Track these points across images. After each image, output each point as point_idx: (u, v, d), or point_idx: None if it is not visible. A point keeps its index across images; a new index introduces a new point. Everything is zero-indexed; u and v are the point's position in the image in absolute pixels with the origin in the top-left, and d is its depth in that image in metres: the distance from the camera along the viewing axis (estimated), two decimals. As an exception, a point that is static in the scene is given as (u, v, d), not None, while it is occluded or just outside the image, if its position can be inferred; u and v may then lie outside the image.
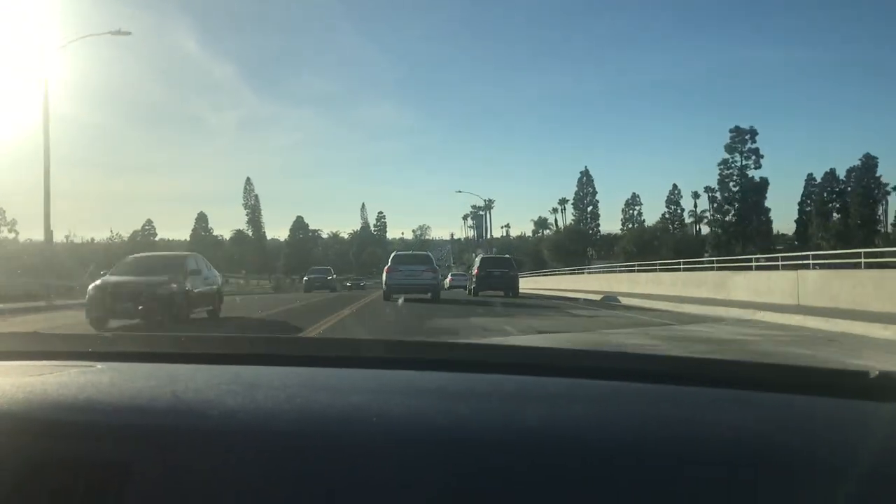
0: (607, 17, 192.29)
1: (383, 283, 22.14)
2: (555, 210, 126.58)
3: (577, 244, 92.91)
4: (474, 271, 28.54)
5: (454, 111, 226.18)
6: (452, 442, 1.02)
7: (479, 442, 1.02)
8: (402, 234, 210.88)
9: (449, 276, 53.38)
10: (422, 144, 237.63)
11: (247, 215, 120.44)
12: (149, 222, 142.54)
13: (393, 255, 23.25)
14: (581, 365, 1.53)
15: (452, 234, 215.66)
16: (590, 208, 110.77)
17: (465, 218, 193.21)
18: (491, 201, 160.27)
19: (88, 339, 1.68)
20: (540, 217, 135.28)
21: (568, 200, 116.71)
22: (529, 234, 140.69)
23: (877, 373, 1.26)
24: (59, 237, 48.27)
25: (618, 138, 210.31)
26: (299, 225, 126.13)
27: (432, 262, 22.34)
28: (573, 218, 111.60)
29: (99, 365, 1.39)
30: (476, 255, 39.37)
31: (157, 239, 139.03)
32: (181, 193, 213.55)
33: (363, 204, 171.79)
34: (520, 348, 1.72)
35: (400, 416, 1.09)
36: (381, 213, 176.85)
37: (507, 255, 34.21)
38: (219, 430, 1.04)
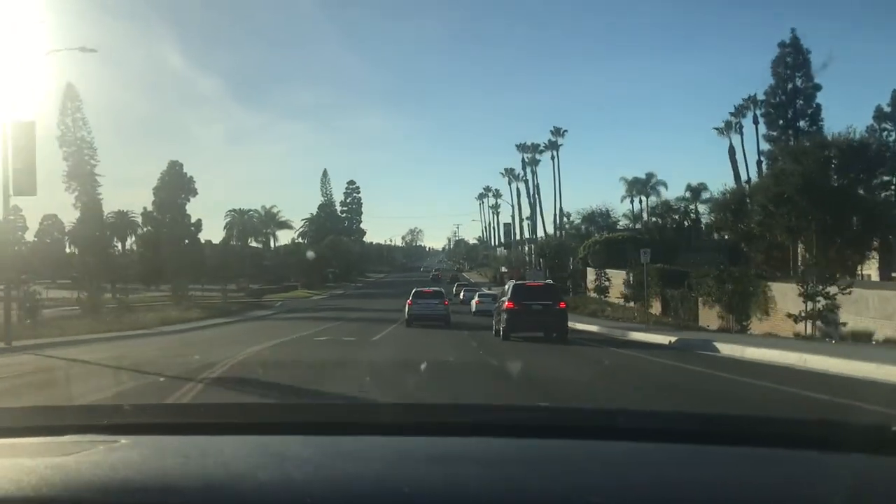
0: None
1: (406, 313, 27.97)
2: (727, 127, 55.77)
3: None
4: (505, 303, 20.50)
5: (443, 118, 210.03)
6: None
7: None
8: (391, 240, 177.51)
9: (476, 297, 40.45)
10: (412, 153, 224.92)
11: (65, 171, 57.52)
12: (15, 209, 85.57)
13: (414, 291, 29.15)
14: (605, 425, 1.53)
15: (453, 233, 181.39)
16: (809, 111, 49.02)
17: (481, 198, 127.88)
18: (559, 133, 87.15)
19: (107, 410, 1.66)
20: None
21: (758, 100, 52.01)
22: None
23: None
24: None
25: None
26: (175, 181, 61.61)
27: (443, 296, 29.47)
28: (772, 134, 49.32)
29: (123, 439, 1.39)
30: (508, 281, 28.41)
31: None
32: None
33: (325, 170, 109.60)
34: (539, 409, 1.68)
35: (430, 485, 1.11)
36: (351, 183, 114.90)
37: (550, 281, 27.63)
38: None
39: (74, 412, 1.74)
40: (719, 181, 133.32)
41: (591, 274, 45.86)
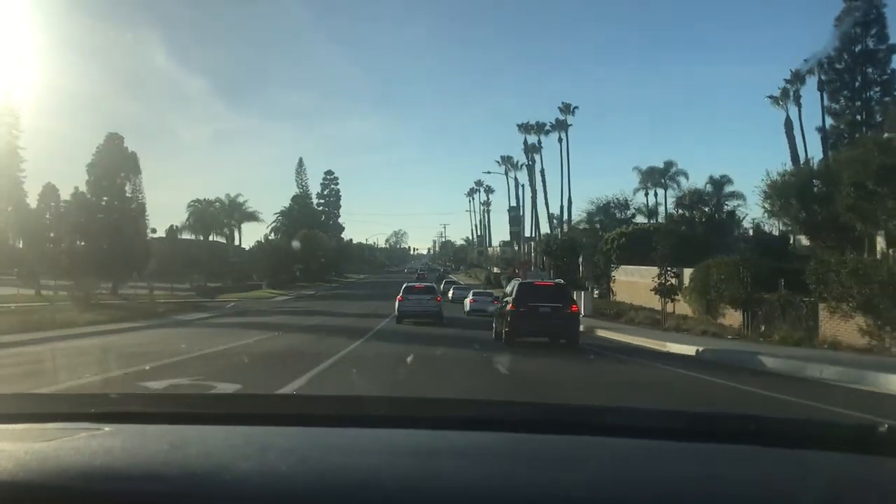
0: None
1: (396, 309, 26.20)
2: (783, 96, 44.79)
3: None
4: (508, 304, 18.77)
5: (431, 120, 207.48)
6: None
7: None
8: (375, 242, 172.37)
9: (470, 296, 37.52)
10: (398, 156, 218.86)
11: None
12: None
13: (404, 286, 27.44)
14: (596, 422, 1.52)
15: (439, 234, 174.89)
16: (883, 78, 39.97)
17: (471, 193, 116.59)
18: (568, 111, 72.09)
19: (93, 399, 1.64)
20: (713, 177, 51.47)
21: (822, 62, 41.98)
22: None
23: (885, 427, 1.28)
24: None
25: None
26: (113, 157, 51.00)
27: (435, 292, 27.69)
28: (833, 107, 40.09)
29: (107, 427, 1.37)
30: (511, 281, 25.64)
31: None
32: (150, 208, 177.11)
33: (300, 159, 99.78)
34: (526, 404, 1.73)
35: (416, 478, 1.10)
36: (329, 173, 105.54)
37: (560, 280, 23.71)
38: (234, 494, 1.02)
39: (59, 400, 1.71)
40: (741, 174, 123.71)
41: (619, 273, 36.83)
